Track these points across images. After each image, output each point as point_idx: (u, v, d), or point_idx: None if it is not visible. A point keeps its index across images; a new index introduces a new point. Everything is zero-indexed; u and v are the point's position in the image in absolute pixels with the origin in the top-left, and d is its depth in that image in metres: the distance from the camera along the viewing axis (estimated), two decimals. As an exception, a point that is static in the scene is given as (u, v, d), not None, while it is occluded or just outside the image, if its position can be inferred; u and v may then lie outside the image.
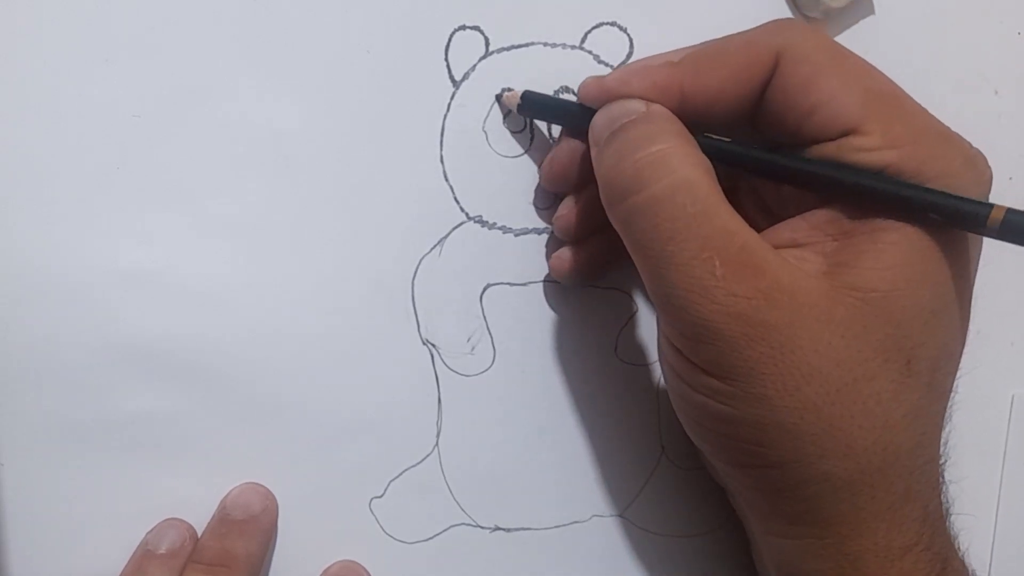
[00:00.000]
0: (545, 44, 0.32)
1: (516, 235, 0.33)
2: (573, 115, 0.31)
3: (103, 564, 0.31)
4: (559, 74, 0.32)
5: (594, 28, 0.33)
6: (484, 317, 0.33)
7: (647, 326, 0.35)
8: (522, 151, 0.33)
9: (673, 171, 0.27)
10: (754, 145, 0.29)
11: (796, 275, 0.26)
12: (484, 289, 0.33)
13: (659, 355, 0.30)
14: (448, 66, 0.32)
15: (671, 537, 0.35)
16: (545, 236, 0.33)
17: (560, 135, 0.32)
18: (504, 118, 0.32)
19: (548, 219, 0.33)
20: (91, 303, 0.30)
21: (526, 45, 0.32)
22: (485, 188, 0.32)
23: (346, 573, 0.33)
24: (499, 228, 0.33)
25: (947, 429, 0.29)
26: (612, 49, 0.33)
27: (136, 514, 0.31)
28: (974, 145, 0.28)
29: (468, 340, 0.33)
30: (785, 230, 0.28)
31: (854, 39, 0.35)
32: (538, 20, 0.32)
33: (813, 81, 0.27)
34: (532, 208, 0.33)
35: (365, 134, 0.31)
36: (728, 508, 0.35)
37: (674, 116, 0.28)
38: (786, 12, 0.34)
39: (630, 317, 0.34)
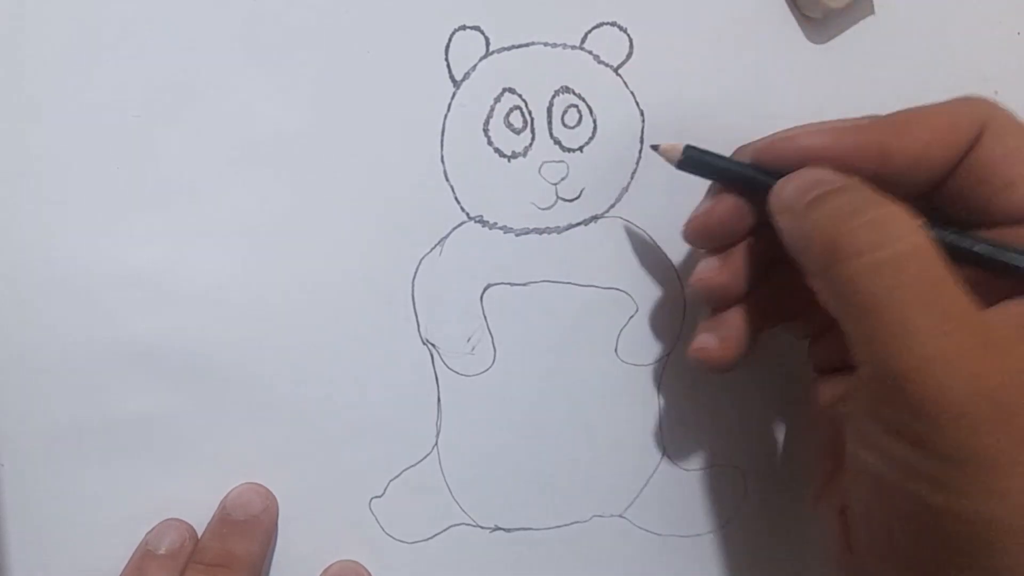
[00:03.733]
0: (545, 44, 0.32)
1: (517, 235, 0.33)
2: (745, 177, 0.29)
3: (103, 564, 0.31)
4: (559, 74, 0.32)
5: (594, 28, 0.33)
6: (484, 317, 0.33)
7: (647, 326, 0.35)
8: (523, 151, 0.33)
9: (912, 232, 0.25)
10: (980, 238, 0.27)
11: None
12: (484, 289, 0.33)
13: (857, 441, 0.26)
14: (448, 66, 0.32)
15: (671, 537, 0.35)
16: (546, 236, 0.33)
17: (713, 189, 0.31)
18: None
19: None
20: (91, 303, 0.30)
21: (526, 45, 0.32)
22: (486, 188, 0.32)
23: (346, 573, 0.33)
24: (500, 228, 0.33)
25: None
26: (612, 49, 0.33)
27: (136, 514, 0.31)
28: None
29: (468, 340, 0.33)
30: (1010, 311, 0.26)
31: (854, 39, 0.35)
32: (538, 20, 0.32)
33: (1016, 156, 0.27)
34: (533, 208, 0.33)
35: (365, 134, 0.31)
36: (729, 508, 0.35)
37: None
38: (785, 13, 0.34)
39: (630, 317, 0.34)
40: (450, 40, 0.32)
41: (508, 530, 0.34)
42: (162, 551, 0.31)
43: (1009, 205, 0.27)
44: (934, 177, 0.28)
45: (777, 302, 0.30)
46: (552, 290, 0.34)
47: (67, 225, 0.30)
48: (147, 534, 0.31)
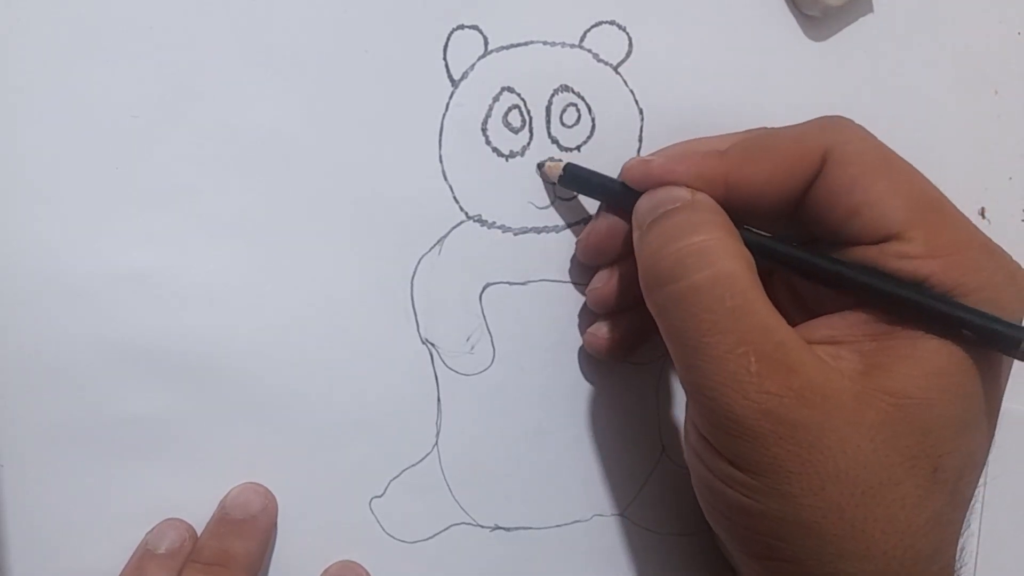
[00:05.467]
0: (544, 43, 0.32)
1: (515, 234, 0.33)
2: (615, 194, 0.31)
3: (103, 564, 0.31)
4: (558, 73, 0.32)
5: (593, 27, 0.33)
6: (483, 316, 0.33)
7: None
8: (521, 150, 0.33)
9: (714, 263, 0.27)
10: (795, 244, 0.29)
11: (830, 375, 0.26)
12: (483, 288, 0.33)
13: (684, 439, 0.30)
14: (447, 65, 0.32)
15: (672, 536, 0.35)
16: (544, 235, 0.33)
17: (599, 209, 0.33)
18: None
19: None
20: (91, 303, 0.30)
21: (525, 44, 0.32)
22: (484, 187, 0.32)
23: (346, 573, 0.33)
24: (498, 227, 0.33)
25: (964, 536, 0.28)
26: (611, 48, 0.33)
27: (136, 514, 0.31)
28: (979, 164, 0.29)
29: (467, 339, 0.33)
30: (822, 326, 0.28)
31: (853, 37, 0.35)
32: (537, 19, 0.32)
33: (859, 183, 0.28)
34: (531, 207, 0.33)
35: (364, 134, 0.32)
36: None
37: (718, 207, 0.29)
38: (785, 11, 0.34)
39: (630, 316, 0.34)
40: (448, 39, 0.32)
41: (508, 529, 0.34)
42: (162, 551, 0.31)
43: (859, 230, 0.28)
44: (782, 205, 0.29)
45: None
46: (551, 289, 0.34)
47: (67, 225, 0.30)
48: (147, 534, 0.31)
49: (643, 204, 0.30)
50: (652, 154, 0.32)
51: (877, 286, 0.27)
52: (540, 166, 0.33)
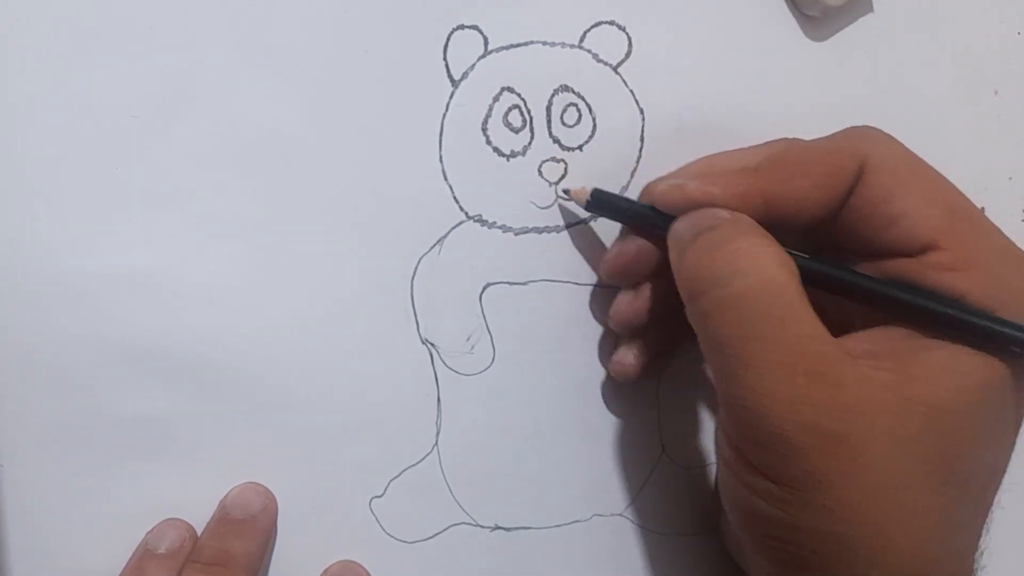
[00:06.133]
0: (544, 43, 0.32)
1: (516, 234, 0.33)
2: (648, 218, 0.31)
3: (103, 564, 0.31)
4: (558, 73, 0.32)
5: (593, 27, 0.33)
6: (484, 316, 0.33)
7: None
8: (522, 150, 0.33)
9: (763, 268, 0.26)
10: (833, 263, 0.29)
11: (872, 388, 0.26)
12: (484, 288, 0.33)
13: (716, 448, 0.30)
14: (447, 65, 0.32)
15: (672, 536, 0.35)
16: (545, 235, 0.33)
17: (623, 231, 0.32)
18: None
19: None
20: (91, 303, 0.30)
21: (525, 44, 0.32)
22: (484, 187, 0.32)
23: (346, 573, 0.33)
24: (498, 227, 0.33)
25: (984, 541, 0.29)
26: (611, 48, 0.33)
27: (136, 514, 0.31)
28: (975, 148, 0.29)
29: (468, 339, 0.33)
30: (863, 340, 0.28)
31: (853, 37, 0.35)
32: (536, 19, 0.32)
33: (896, 193, 0.28)
34: (532, 207, 0.33)
35: (364, 134, 0.32)
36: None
37: (757, 224, 0.28)
38: (784, 11, 0.34)
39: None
40: (448, 39, 0.32)
41: (508, 529, 0.34)
42: (162, 551, 0.31)
43: (895, 240, 0.28)
44: (820, 218, 0.29)
45: (683, 327, 0.30)
46: (551, 289, 0.34)
47: (66, 225, 0.30)
48: (147, 534, 0.31)
49: (681, 226, 0.29)
50: (676, 174, 0.31)
51: (919, 303, 0.27)
52: (566, 192, 0.32)
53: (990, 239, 0.28)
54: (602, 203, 0.32)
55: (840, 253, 0.30)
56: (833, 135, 0.30)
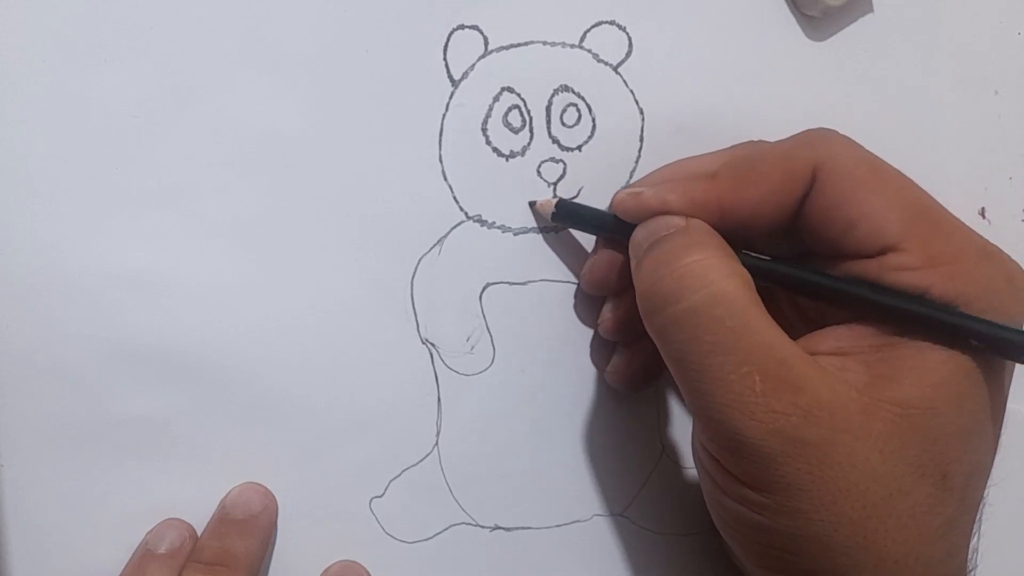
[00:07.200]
0: (544, 43, 0.32)
1: (515, 234, 0.33)
2: (610, 227, 0.31)
3: (103, 564, 0.31)
4: (558, 73, 0.32)
5: (593, 27, 0.33)
6: (483, 316, 0.33)
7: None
8: (521, 150, 0.33)
9: (711, 282, 0.27)
10: (794, 264, 0.29)
11: (836, 390, 0.26)
12: (483, 288, 0.33)
13: (694, 457, 0.30)
14: (447, 65, 0.32)
15: (672, 536, 0.35)
16: (544, 235, 0.33)
17: (597, 243, 0.33)
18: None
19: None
20: (91, 303, 0.30)
21: (525, 44, 0.32)
22: (484, 187, 0.32)
23: (346, 573, 0.33)
24: (498, 227, 0.33)
25: (975, 539, 0.29)
26: (611, 48, 0.33)
27: (136, 514, 0.31)
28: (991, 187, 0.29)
29: (467, 339, 0.33)
30: (828, 337, 0.28)
31: (853, 37, 0.35)
32: (537, 19, 0.32)
33: (852, 196, 0.28)
34: (531, 207, 0.33)
35: (364, 134, 0.32)
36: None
37: (712, 230, 0.29)
38: (784, 11, 0.34)
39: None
40: (448, 39, 0.32)
41: (508, 529, 0.34)
42: (162, 550, 0.31)
43: (856, 242, 0.28)
44: (777, 222, 0.29)
45: None
46: (551, 289, 0.34)
47: (66, 225, 0.30)
48: (147, 534, 0.31)
49: (639, 235, 0.30)
50: (640, 182, 0.32)
51: (880, 301, 0.27)
52: (531, 204, 0.33)
53: (955, 236, 0.28)
54: (568, 214, 0.32)
55: (809, 255, 0.30)
56: (790, 139, 0.30)
